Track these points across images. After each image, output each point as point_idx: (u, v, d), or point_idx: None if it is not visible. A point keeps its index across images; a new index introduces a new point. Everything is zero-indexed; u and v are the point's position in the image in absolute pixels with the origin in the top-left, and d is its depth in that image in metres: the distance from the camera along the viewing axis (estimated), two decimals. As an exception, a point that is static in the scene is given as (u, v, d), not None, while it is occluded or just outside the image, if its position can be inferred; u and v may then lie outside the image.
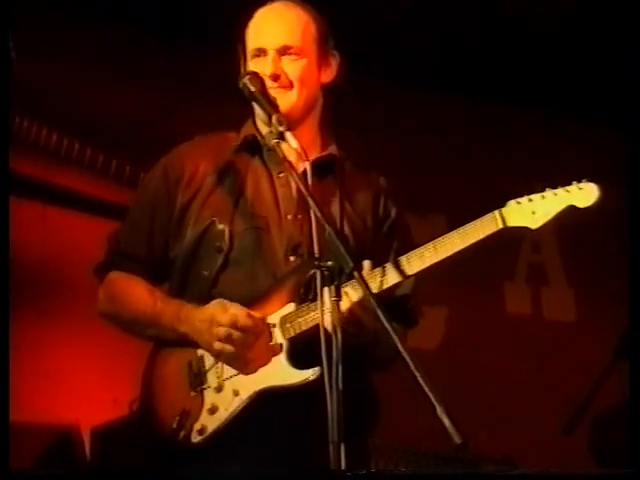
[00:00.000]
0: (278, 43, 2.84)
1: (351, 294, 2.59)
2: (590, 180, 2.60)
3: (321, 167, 2.85)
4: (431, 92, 5.65)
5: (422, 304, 2.99)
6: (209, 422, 2.72)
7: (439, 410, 2.20)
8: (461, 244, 2.63)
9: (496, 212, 2.62)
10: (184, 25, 5.05)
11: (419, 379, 2.23)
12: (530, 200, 2.63)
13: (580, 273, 6.03)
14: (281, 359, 2.71)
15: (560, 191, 2.62)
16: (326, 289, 2.46)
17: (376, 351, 2.70)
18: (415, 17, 5.09)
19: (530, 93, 5.70)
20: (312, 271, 2.50)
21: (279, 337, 2.73)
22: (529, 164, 5.66)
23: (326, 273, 2.46)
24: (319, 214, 2.47)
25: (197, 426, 2.72)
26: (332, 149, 2.93)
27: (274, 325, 2.73)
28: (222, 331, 2.69)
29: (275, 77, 2.81)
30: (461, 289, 5.62)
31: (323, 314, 2.46)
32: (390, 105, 5.54)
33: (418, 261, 2.66)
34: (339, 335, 2.39)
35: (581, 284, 6.05)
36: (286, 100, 2.82)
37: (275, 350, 2.72)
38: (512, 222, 2.62)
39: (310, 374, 2.59)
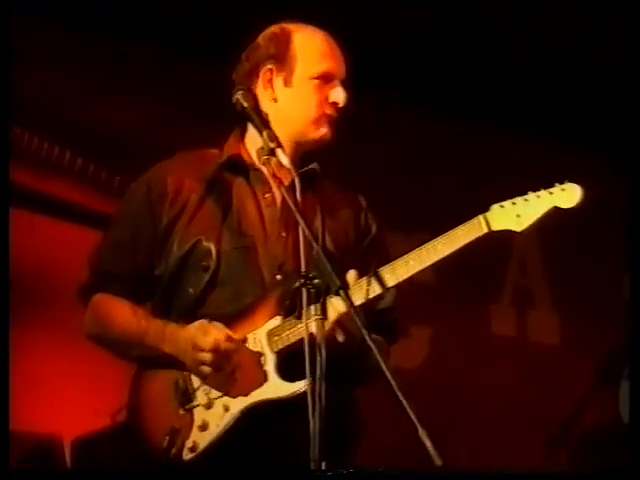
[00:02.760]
0: (342, 73, 2.88)
1: (338, 305, 2.58)
2: (572, 181, 2.62)
3: (304, 182, 2.85)
4: (420, 107, 5.66)
5: (406, 323, 3.00)
6: (200, 439, 2.70)
7: (420, 432, 2.20)
8: (446, 250, 2.63)
9: (480, 216, 2.63)
10: (183, 38, 5.05)
11: (401, 398, 2.23)
12: (514, 203, 2.64)
13: (566, 296, 6.04)
14: (270, 372, 2.70)
15: (543, 193, 2.63)
16: (312, 306, 2.45)
17: (362, 362, 2.66)
18: (407, 32, 5.11)
19: (517, 110, 5.72)
20: (297, 284, 2.49)
21: (267, 351, 2.72)
22: (515, 181, 5.66)
23: (312, 290, 2.46)
24: (307, 231, 2.47)
25: (188, 443, 2.71)
26: (314, 164, 2.91)
27: (261, 339, 2.72)
28: (206, 357, 2.68)
29: (337, 111, 2.85)
30: (446, 309, 5.63)
31: (308, 330, 2.45)
32: (376, 119, 5.55)
33: (403, 269, 2.66)
34: (323, 352, 2.39)
35: (567, 307, 6.06)
36: (329, 132, 2.86)
37: (262, 367, 2.71)
38: (497, 226, 2.63)
39: (301, 386, 2.58)
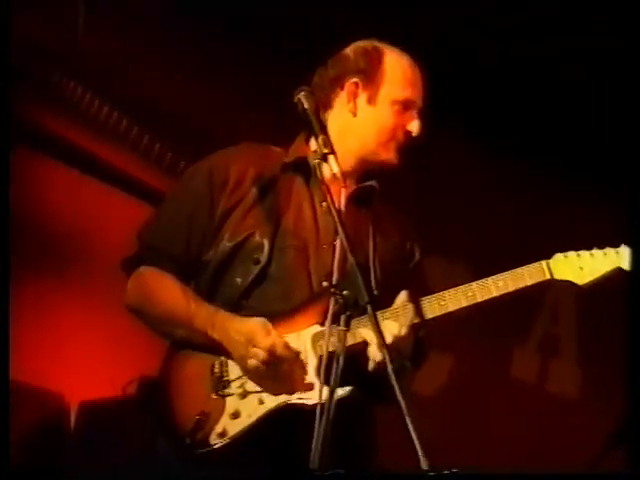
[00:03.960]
0: (421, 103, 2.93)
1: (391, 326, 2.65)
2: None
3: (359, 197, 2.87)
4: (483, 143, 5.64)
5: (430, 348, 3.00)
6: (230, 426, 2.73)
7: (422, 461, 2.21)
8: (504, 289, 2.69)
9: (544, 262, 2.68)
10: (258, 31, 5.06)
11: (408, 424, 2.24)
12: (578, 256, 2.67)
13: (593, 352, 5.97)
14: (312, 376, 2.73)
15: (610, 251, 2.65)
16: (342, 317, 2.46)
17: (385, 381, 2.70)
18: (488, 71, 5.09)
19: (591, 166, 5.66)
20: (328, 289, 2.53)
21: (311, 354, 2.75)
22: (562, 228, 5.61)
23: (340, 301, 2.47)
24: (345, 243, 2.47)
25: (218, 429, 2.74)
26: (372, 181, 2.94)
27: (305, 342, 2.76)
28: (260, 354, 2.71)
29: (409, 140, 2.90)
30: (470, 342, 5.59)
31: (328, 339, 2.48)
32: (437, 150, 5.53)
33: (459, 299, 2.72)
34: (340, 363, 2.41)
35: (591, 363, 5.98)
36: (395, 158, 2.91)
37: (305, 370, 2.74)
38: (559, 275, 2.67)
39: (340, 393, 2.56)
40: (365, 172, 2.95)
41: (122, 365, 4.78)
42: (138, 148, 5.02)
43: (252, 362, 2.72)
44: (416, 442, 2.22)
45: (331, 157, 2.60)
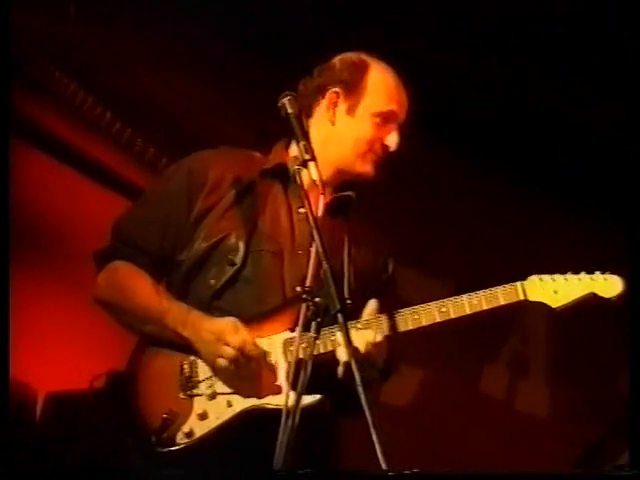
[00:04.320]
0: (403, 118, 2.95)
1: (367, 334, 2.68)
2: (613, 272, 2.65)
3: (336, 207, 2.88)
4: (467, 158, 5.65)
5: (400, 361, 3.01)
6: (197, 427, 2.74)
7: (383, 466, 2.23)
8: (477, 307, 2.72)
9: (518, 284, 2.71)
10: (251, 32, 5.06)
11: (372, 432, 2.26)
12: (553, 279, 2.70)
13: (562, 373, 5.99)
14: (282, 381, 2.74)
15: (584, 276, 2.69)
16: (313, 323, 2.47)
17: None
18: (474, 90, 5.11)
19: (571, 191, 5.69)
20: (299, 294, 2.52)
21: (281, 359, 2.76)
22: (545, 249, 5.64)
23: (312, 308, 2.47)
24: (321, 249, 2.48)
25: (185, 429, 2.74)
26: (350, 192, 2.96)
27: (276, 347, 2.77)
28: (229, 352, 2.72)
29: (387, 153, 2.91)
30: (443, 356, 5.60)
31: (297, 345, 2.48)
32: (418, 163, 5.55)
33: (432, 315, 2.74)
34: (308, 370, 2.42)
35: (560, 384, 6.00)
36: (372, 170, 2.92)
37: (275, 374, 2.75)
38: (533, 297, 2.71)
39: (309, 400, 2.60)
40: (343, 182, 2.96)
41: (92, 358, 4.76)
42: (120, 142, 5.01)
43: (221, 361, 2.72)
44: (377, 447, 2.24)
45: (311, 164, 2.61)
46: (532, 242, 5.66)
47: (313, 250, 2.51)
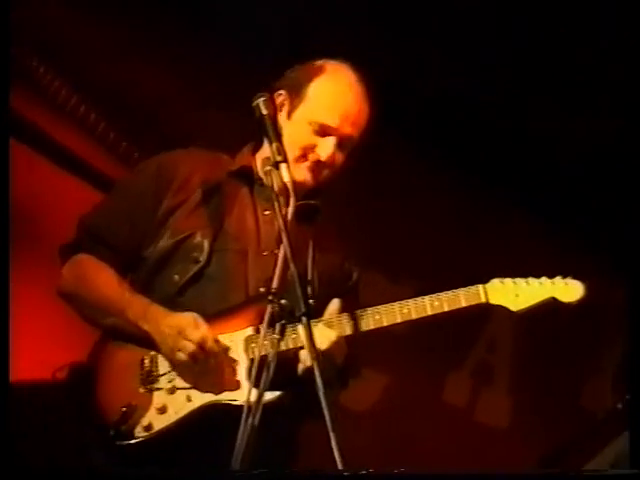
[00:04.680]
0: (345, 132, 2.91)
1: (327, 332, 2.70)
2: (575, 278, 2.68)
3: (302, 213, 2.88)
4: (430, 160, 5.67)
5: (363, 367, 3.02)
6: (156, 421, 2.75)
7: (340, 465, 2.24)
8: (439, 308, 2.74)
9: (480, 286, 2.72)
10: (229, 29, 5.06)
11: (331, 435, 2.28)
12: (514, 283, 2.72)
13: (524, 384, 6.03)
14: (242, 377, 2.75)
15: (545, 281, 2.71)
16: (277, 325, 2.49)
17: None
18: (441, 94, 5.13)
19: (534, 197, 5.72)
20: (265, 295, 2.54)
21: (242, 356, 2.77)
22: (507, 253, 5.67)
23: (277, 309, 2.48)
24: (288, 251, 2.49)
25: (143, 422, 2.75)
26: (315, 200, 3.00)
27: (237, 344, 2.79)
28: (189, 346, 2.72)
29: (320, 163, 2.89)
30: (406, 363, 5.62)
31: (261, 346, 2.51)
32: (383, 166, 5.56)
33: (394, 315, 2.75)
34: (271, 370, 2.44)
35: (522, 395, 6.04)
36: (307, 178, 2.91)
37: (235, 371, 2.76)
38: (494, 300, 2.73)
39: (269, 396, 2.58)
40: (311, 190, 2.97)
41: (57, 348, 4.73)
42: (94, 134, 4.99)
43: (181, 355, 2.73)
44: (335, 450, 2.26)
45: (283, 165, 2.62)
46: (496, 246, 5.69)
47: (281, 252, 2.52)
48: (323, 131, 2.92)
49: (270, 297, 2.49)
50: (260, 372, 2.45)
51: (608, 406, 4.87)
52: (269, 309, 2.50)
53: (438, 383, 5.92)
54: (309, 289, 2.87)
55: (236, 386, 2.75)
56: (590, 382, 5.93)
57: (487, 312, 2.75)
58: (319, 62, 3.00)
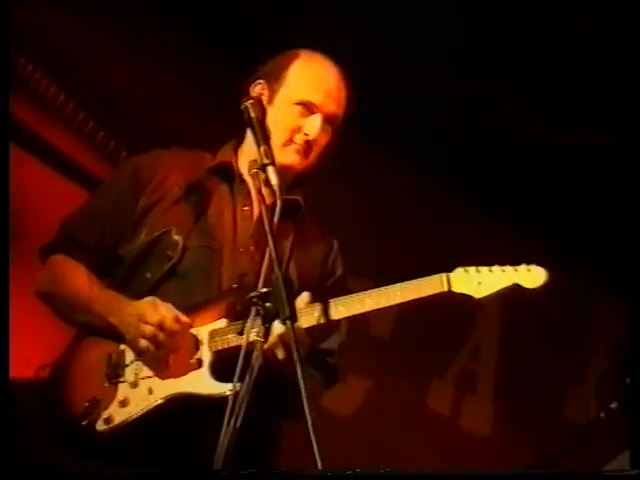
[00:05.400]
0: (329, 109, 2.90)
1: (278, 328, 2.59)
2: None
3: (285, 207, 2.86)
4: (416, 166, 5.68)
5: (348, 371, 3.02)
6: (117, 414, 2.74)
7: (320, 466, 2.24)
8: (404, 297, 2.71)
9: (444, 275, 2.71)
10: (218, 30, 5.06)
11: (311, 435, 2.27)
12: (478, 271, 2.73)
13: (508, 391, 6.04)
14: (203, 369, 2.74)
15: (508, 268, 2.72)
16: (258, 328, 2.47)
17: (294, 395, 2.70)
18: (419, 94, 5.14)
19: (502, 193, 5.73)
20: (250, 297, 2.51)
21: (205, 348, 2.76)
22: (483, 253, 5.66)
23: (261, 312, 2.47)
24: (274, 255, 2.49)
25: (105, 414, 2.74)
26: (297, 196, 2.96)
27: (202, 336, 2.77)
28: (148, 330, 2.72)
29: (308, 141, 2.88)
30: (390, 368, 5.62)
31: (246, 346, 2.49)
32: (369, 168, 5.57)
33: (357, 305, 2.72)
34: (255, 370, 2.43)
35: (505, 402, 6.05)
36: (295, 160, 2.89)
37: (198, 361, 2.75)
38: (457, 288, 2.71)
39: (228, 389, 2.58)
40: (291, 181, 2.95)
41: (42, 347, 4.72)
42: (83, 133, 4.98)
43: (142, 342, 2.73)
44: (315, 450, 2.26)
45: (270, 168, 2.62)
46: (463, 241, 5.68)
47: (266, 255, 2.52)
48: (308, 110, 2.90)
49: (254, 300, 2.48)
50: (244, 370, 2.43)
51: (590, 415, 4.89)
52: (253, 312, 2.49)
53: (422, 390, 5.92)
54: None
55: (198, 377, 2.73)
56: (572, 391, 5.94)
57: (472, 319, 2.75)
58: (292, 51, 2.99)
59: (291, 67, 2.94)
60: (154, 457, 2.69)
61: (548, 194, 5.54)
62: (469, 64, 4.93)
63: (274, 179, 2.61)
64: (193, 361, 2.75)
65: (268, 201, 2.64)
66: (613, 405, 3.82)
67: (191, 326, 2.77)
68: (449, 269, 2.72)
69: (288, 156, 2.89)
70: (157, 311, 2.73)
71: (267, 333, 2.49)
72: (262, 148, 2.64)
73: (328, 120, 2.91)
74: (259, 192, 2.62)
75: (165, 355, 2.75)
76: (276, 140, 2.84)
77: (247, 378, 2.43)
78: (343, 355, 2.97)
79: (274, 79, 2.93)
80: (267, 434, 2.90)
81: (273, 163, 2.62)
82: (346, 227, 3.17)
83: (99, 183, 4.06)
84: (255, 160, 2.66)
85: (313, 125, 2.89)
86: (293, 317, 2.47)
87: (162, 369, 2.76)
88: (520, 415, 5.91)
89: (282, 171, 2.76)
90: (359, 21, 4.72)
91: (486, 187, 5.57)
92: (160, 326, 2.71)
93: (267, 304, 2.47)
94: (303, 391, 2.33)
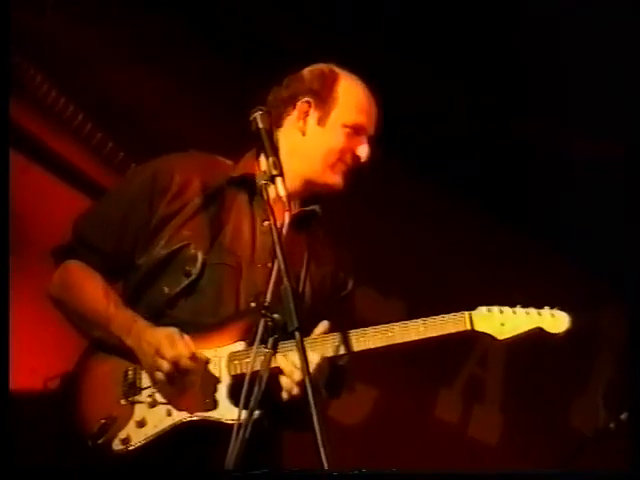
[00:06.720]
0: (373, 131, 2.95)
1: (310, 356, 2.59)
2: (561, 309, 2.67)
3: (299, 221, 2.87)
4: (430, 181, 5.68)
5: (356, 380, 3.01)
6: (135, 434, 2.72)
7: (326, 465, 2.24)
8: (426, 334, 2.71)
9: (466, 313, 2.71)
10: (228, 39, 5.06)
11: (320, 449, 2.26)
12: (501, 312, 2.72)
13: (516, 400, 6.02)
14: (222, 394, 2.72)
15: (532, 311, 2.71)
16: (270, 339, 2.47)
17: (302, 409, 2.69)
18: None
19: (528, 216, 5.72)
20: (274, 317, 2.50)
21: (224, 373, 2.74)
22: (499, 279, 5.66)
23: (270, 324, 2.46)
24: (283, 267, 2.48)
25: (122, 435, 2.72)
26: (316, 206, 2.95)
27: (221, 358, 2.76)
28: (164, 366, 2.70)
29: (356, 165, 2.92)
30: (397, 378, 5.61)
31: (254, 360, 2.49)
32: (386, 183, 5.56)
33: (380, 337, 2.72)
34: (262, 385, 2.42)
35: (513, 411, 6.03)
36: (341, 182, 2.92)
37: (215, 386, 2.73)
38: (480, 327, 2.72)
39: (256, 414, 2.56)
40: (310, 194, 2.95)
41: (49, 358, 4.71)
42: (90, 143, 4.98)
43: (158, 374, 2.71)
44: (324, 463, 2.25)
45: (279, 180, 2.61)
46: (488, 270, 5.69)
47: (275, 267, 2.50)
48: (356, 132, 2.92)
49: (263, 311, 2.47)
50: (251, 388, 2.42)
51: (598, 426, 4.86)
52: (262, 323, 2.47)
53: (430, 399, 5.91)
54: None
55: (215, 404, 2.71)
56: (579, 402, 5.93)
57: (467, 334, 2.76)
58: (320, 66, 3.00)
59: (338, 88, 2.95)
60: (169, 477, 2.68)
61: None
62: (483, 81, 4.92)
63: (282, 190, 2.60)
64: (210, 391, 2.73)
65: (277, 213, 2.62)
66: (623, 416, 3.79)
67: (207, 361, 2.74)
68: (467, 299, 2.72)
69: (334, 177, 2.92)
70: (174, 347, 2.70)
71: (276, 344, 2.48)
72: (271, 159, 2.63)
73: (370, 141, 2.93)
74: (268, 203, 2.61)
75: (180, 389, 2.73)
76: (325, 160, 2.88)
77: (256, 389, 2.41)
78: (349, 370, 2.96)
79: (324, 100, 2.93)
80: (274, 441, 2.89)
81: (281, 174, 2.61)
82: (360, 240, 3.15)
83: (99, 188, 4.05)
84: (264, 171, 2.65)
85: (364, 148, 2.92)
86: (301, 328, 2.46)
87: (177, 401, 2.74)
88: (529, 424, 5.89)
89: (325, 191, 2.85)
90: (372, 31, 4.72)
91: (499, 201, 5.56)
92: (175, 363, 2.69)
93: (275, 315, 2.46)
94: (312, 406, 2.32)
